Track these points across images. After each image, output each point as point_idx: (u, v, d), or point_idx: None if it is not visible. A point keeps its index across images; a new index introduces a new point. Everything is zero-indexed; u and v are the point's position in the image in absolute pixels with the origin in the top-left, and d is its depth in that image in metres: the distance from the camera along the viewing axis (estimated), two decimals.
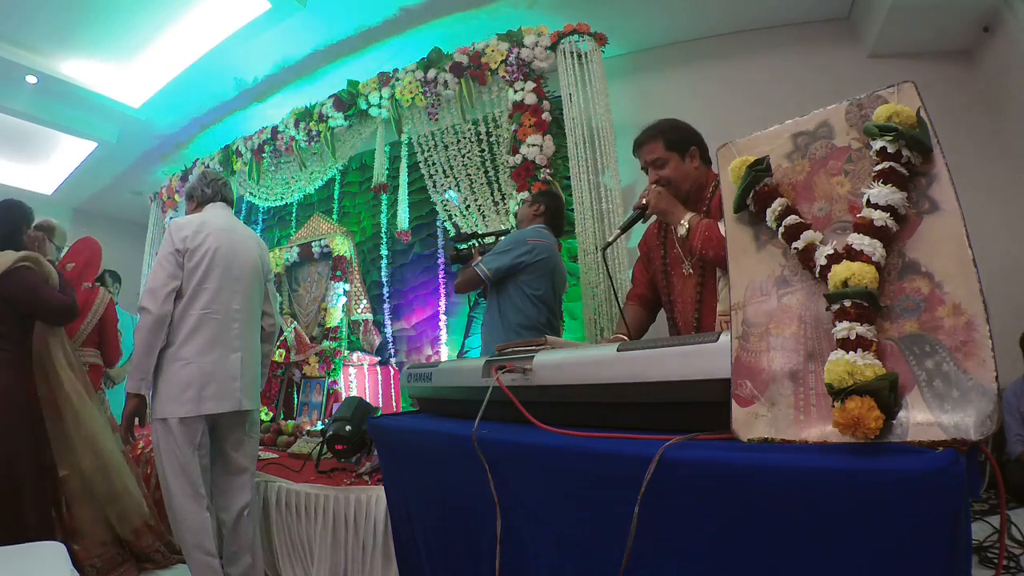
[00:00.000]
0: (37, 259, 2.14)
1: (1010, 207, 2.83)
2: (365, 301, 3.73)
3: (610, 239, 1.60)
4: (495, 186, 3.10)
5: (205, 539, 1.71)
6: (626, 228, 1.57)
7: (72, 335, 2.49)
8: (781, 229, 0.73)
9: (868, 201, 0.66)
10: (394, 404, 3.44)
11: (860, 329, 0.61)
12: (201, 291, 1.85)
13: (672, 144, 1.54)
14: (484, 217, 3.11)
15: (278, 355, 3.47)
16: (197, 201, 2.09)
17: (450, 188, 3.26)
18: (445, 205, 3.29)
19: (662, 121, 1.59)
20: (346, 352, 3.47)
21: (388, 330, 3.71)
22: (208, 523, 1.74)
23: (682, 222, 1.42)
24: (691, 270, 1.54)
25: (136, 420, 1.82)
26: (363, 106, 3.62)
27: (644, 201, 1.50)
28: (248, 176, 4.38)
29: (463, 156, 3.22)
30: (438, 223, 3.49)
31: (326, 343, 3.51)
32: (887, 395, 0.56)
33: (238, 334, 1.91)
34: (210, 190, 2.08)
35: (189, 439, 1.76)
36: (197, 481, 1.75)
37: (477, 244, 2.56)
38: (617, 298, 1.92)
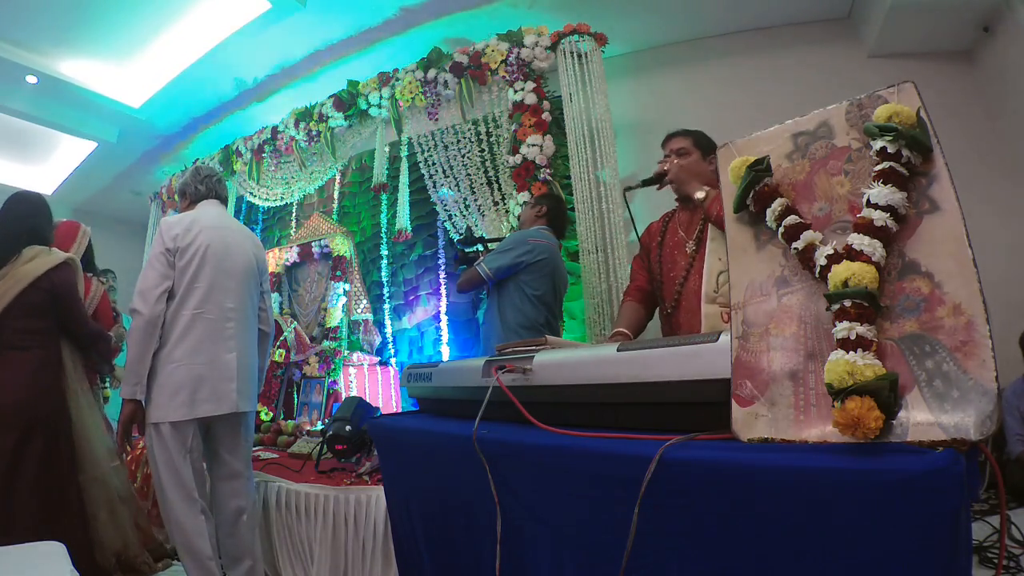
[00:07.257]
0: (77, 263, 2.10)
1: (1010, 207, 2.83)
2: (365, 301, 3.73)
3: (633, 186, 1.77)
4: (495, 186, 3.10)
5: (200, 542, 1.69)
6: (645, 184, 1.75)
7: None
8: (781, 229, 0.73)
9: (868, 201, 0.66)
10: (394, 404, 3.44)
11: (860, 329, 0.61)
12: (192, 290, 1.79)
13: (699, 144, 1.71)
14: (484, 217, 3.11)
15: (278, 355, 3.46)
16: (190, 198, 2.05)
17: (445, 186, 3.25)
18: (445, 205, 3.29)
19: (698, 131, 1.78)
20: (346, 352, 3.47)
21: (388, 330, 3.71)
22: (203, 526, 1.72)
23: (700, 191, 1.58)
24: (694, 246, 1.65)
25: (134, 426, 1.76)
26: (363, 106, 3.62)
27: (664, 167, 1.67)
28: (248, 176, 4.38)
29: (463, 156, 3.22)
30: (438, 223, 3.48)
31: (326, 343, 3.51)
32: (887, 395, 0.56)
33: (232, 334, 1.86)
34: (203, 187, 2.04)
35: (180, 443, 1.72)
36: (190, 485, 1.72)
37: (482, 248, 2.56)
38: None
